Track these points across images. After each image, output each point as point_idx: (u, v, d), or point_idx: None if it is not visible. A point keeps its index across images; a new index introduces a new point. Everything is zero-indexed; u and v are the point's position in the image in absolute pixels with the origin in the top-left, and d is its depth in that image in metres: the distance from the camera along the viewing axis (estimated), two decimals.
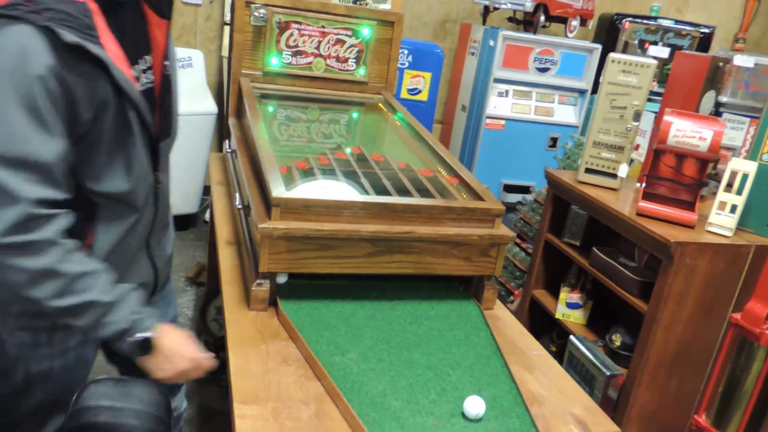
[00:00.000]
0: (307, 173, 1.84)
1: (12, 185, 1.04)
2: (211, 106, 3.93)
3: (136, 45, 1.25)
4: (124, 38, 1.19)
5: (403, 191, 1.77)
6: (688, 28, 4.78)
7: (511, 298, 3.33)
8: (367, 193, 1.73)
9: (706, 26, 4.85)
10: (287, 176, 1.76)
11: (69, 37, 1.05)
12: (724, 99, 4.02)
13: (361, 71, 2.63)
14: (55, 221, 1.11)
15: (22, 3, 1.04)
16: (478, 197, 1.77)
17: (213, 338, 2.50)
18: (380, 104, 2.61)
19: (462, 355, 1.51)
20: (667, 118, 2.22)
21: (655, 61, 2.44)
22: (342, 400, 1.27)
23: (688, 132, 2.17)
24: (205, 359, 1.28)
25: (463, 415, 1.29)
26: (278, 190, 1.54)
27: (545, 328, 3.04)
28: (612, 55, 2.49)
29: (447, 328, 1.62)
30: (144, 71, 1.29)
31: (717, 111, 4.05)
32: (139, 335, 1.19)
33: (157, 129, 1.34)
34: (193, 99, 3.85)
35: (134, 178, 1.28)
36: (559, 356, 2.65)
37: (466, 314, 1.70)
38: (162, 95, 1.35)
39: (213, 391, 2.50)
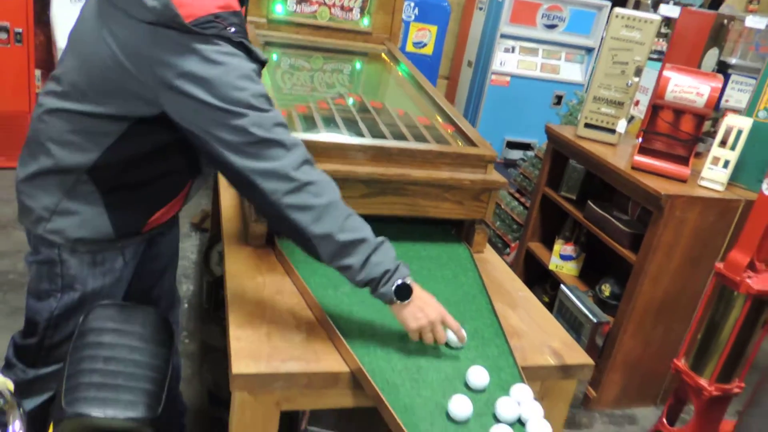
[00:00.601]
0: (307, 118, 1.88)
1: (284, 137, 1.22)
2: None
3: None
4: None
5: (399, 136, 1.82)
6: None
7: (508, 250, 3.40)
8: (364, 137, 1.77)
9: None
10: (287, 119, 1.81)
11: (262, 55, 1.28)
12: (733, 60, 3.99)
13: (365, 21, 2.63)
14: (318, 168, 1.26)
15: (213, 21, 1.18)
16: (472, 144, 1.81)
17: (213, 278, 2.60)
18: (383, 54, 2.63)
19: (449, 293, 1.58)
20: (666, 73, 2.24)
21: (658, 17, 2.43)
22: (330, 325, 1.35)
23: (685, 87, 2.19)
24: (450, 316, 1.31)
25: (447, 344, 1.36)
26: None
27: (539, 279, 3.12)
28: (616, 9, 2.49)
29: (437, 267, 1.69)
30: None
31: (725, 72, 4.02)
32: (400, 280, 1.24)
33: None
34: None
35: None
36: (550, 307, 2.74)
37: (457, 256, 1.76)
38: None
39: (214, 329, 2.60)
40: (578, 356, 1.44)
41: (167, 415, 1.35)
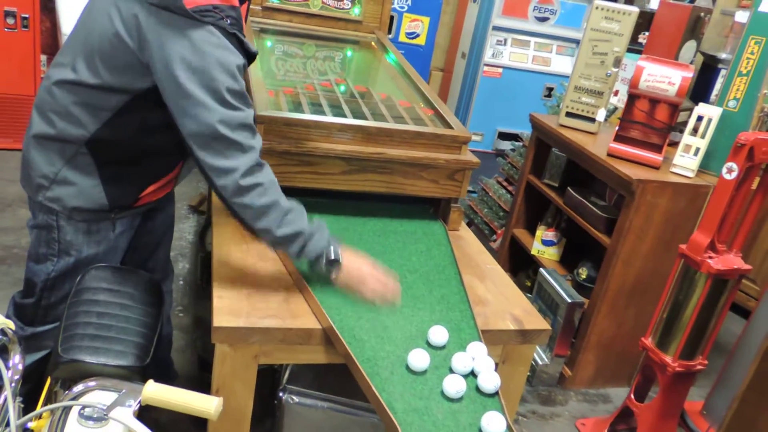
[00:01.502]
0: (294, 99, 1.99)
1: (244, 140, 1.34)
2: None
3: None
4: None
5: (380, 118, 1.93)
6: None
7: (494, 237, 3.50)
8: (345, 117, 1.88)
9: None
10: (274, 100, 1.92)
11: (252, 48, 1.40)
12: (722, 55, 4.06)
13: (356, 10, 2.74)
14: (267, 166, 1.40)
15: (211, 10, 1.30)
16: (448, 126, 1.92)
17: (206, 254, 2.72)
18: (373, 43, 2.73)
19: (421, 264, 1.69)
20: (640, 63, 2.33)
21: (636, 9, 2.53)
22: (307, 289, 1.46)
23: (658, 77, 2.29)
24: (383, 271, 1.50)
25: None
26: (263, 109, 1.70)
27: (524, 265, 3.23)
28: (596, 1, 2.59)
29: (412, 241, 1.80)
30: None
31: (715, 67, 4.08)
32: (332, 255, 1.43)
33: None
34: None
35: None
36: (532, 290, 2.84)
37: (432, 232, 1.87)
38: None
39: (207, 304, 2.71)
40: (537, 322, 1.55)
41: (155, 370, 1.46)
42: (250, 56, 1.42)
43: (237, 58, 1.34)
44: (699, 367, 2.14)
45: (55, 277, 1.58)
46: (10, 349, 1.04)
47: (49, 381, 1.49)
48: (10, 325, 1.05)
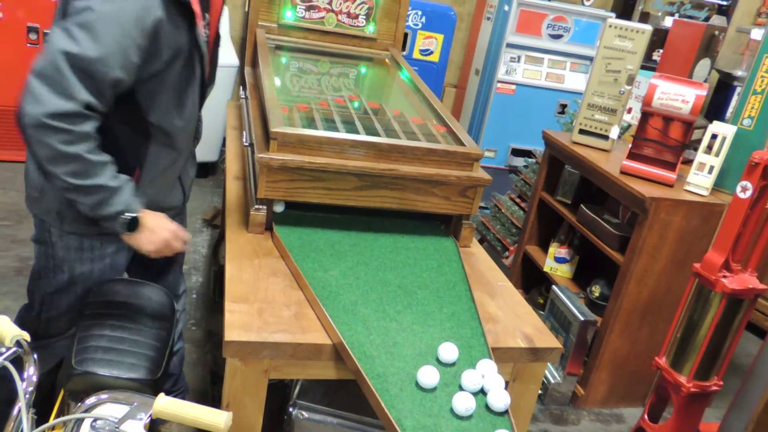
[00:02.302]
0: (308, 115, 2.01)
1: (75, 87, 1.26)
2: (233, 59, 4.10)
3: (202, 4, 1.48)
4: None
5: (392, 134, 1.94)
6: None
7: (507, 253, 3.49)
8: (358, 133, 1.90)
9: None
10: (288, 116, 1.94)
11: None
12: (738, 73, 4.04)
13: (371, 28, 2.77)
14: (92, 121, 1.33)
15: None
16: (460, 143, 1.93)
17: (219, 268, 2.74)
18: (387, 60, 2.76)
19: (432, 280, 1.69)
20: (653, 81, 2.33)
21: (650, 27, 2.53)
22: (318, 304, 1.47)
23: (671, 95, 2.28)
24: (182, 230, 1.53)
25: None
26: (277, 125, 1.72)
27: (537, 282, 3.21)
28: (610, 20, 2.59)
29: (423, 257, 1.80)
30: (204, 26, 1.52)
31: (731, 84, 4.07)
32: (129, 215, 1.40)
33: (207, 77, 1.61)
34: None
35: (186, 116, 1.56)
36: (545, 308, 2.83)
37: (443, 248, 1.87)
38: (213, 48, 1.62)
39: (219, 318, 2.73)
40: (548, 340, 1.54)
41: (167, 382, 1.47)
42: (183, 5, 1.36)
43: (155, 10, 1.29)
44: (714, 387, 2.11)
45: (51, 293, 1.61)
46: (24, 360, 1.05)
47: (62, 393, 1.51)
48: (26, 336, 1.07)
